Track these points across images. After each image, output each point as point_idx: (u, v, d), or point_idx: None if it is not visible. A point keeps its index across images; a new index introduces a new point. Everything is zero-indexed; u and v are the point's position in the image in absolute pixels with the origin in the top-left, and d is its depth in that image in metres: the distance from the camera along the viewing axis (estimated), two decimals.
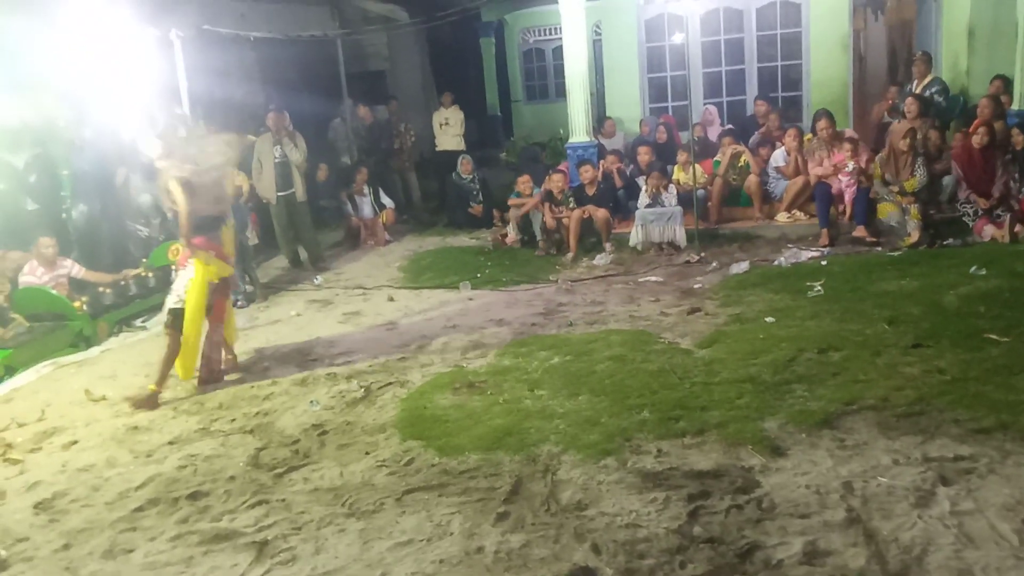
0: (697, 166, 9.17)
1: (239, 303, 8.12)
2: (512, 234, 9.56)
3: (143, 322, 7.77)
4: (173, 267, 8.36)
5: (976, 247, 7.52)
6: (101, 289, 7.65)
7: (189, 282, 5.68)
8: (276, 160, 9.28)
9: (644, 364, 5.27)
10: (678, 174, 9.39)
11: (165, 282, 8.27)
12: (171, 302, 5.74)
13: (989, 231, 7.69)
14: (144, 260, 8.57)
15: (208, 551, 3.59)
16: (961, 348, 4.98)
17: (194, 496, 4.12)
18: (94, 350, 7.00)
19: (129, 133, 9.07)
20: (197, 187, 5.69)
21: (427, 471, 4.14)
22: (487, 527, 3.54)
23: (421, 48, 17.24)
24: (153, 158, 5.80)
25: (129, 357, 6.73)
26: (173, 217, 5.96)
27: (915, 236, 7.82)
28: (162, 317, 5.86)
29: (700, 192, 9.08)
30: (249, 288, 8.49)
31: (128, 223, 9.08)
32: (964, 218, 8.02)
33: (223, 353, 6.05)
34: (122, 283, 7.90)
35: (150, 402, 5.52)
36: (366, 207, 10.83)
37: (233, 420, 5.11)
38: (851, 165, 8.50)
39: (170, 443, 4.83)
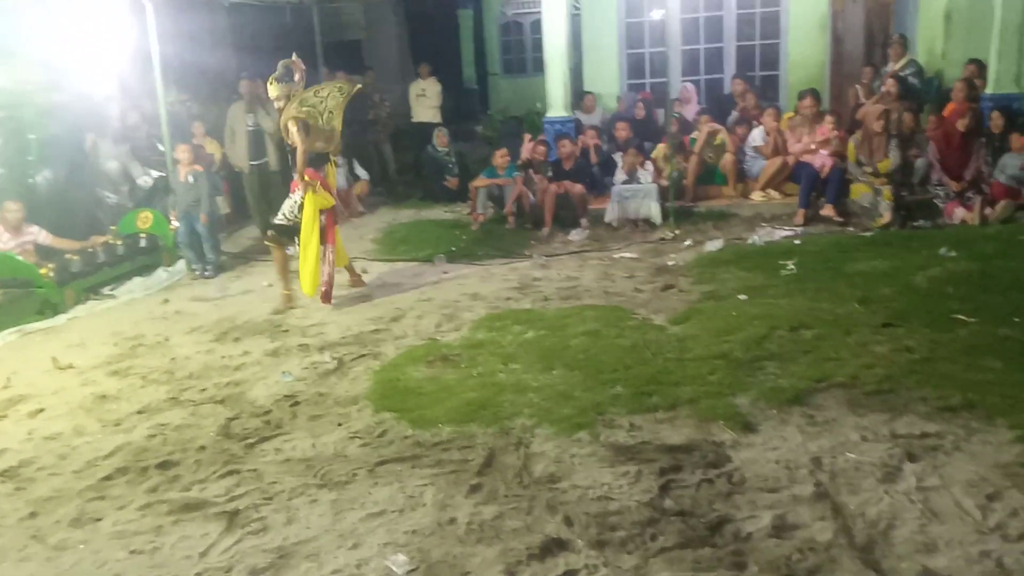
0: (676, 158, 9.11)
1: (207, 273, 8.05)
2: (480, 211, 9.39)
3: (111, 290, 7.66)
4: (142, 236, 8.30)
5: (947, 229, 7.61)
6: (68, 256, 7.52)
7: (297, 207, 6.45)
8: (249, 128, 9.16)
9: (618, 340, 5.29)
10: (657, 154, 9.35)
11: (134, 250, 8.17)
12: (276, 219, 6.63)
13: (960, 214, 7.78)
14: (112, 227, 8.44)
15: (178, 520, 3.57)
16: (930, 328, 5.05)
17: (164, 465, 4.08)
18: (61, 318, 6.90)
19: (99, 97, 8.92)
20: (312, 128, 6.40)
21: (400, 443, 4.13)
22: (460, 499, 3.55)
23: (398, 18, 17.00)
24: (272, 99, 6.52)
25: (97, 325, 6.64)
26: (292, 152, 6.51)
27: (887, 217, 7.90)
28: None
29: (675, 174, 9.06)
30: (224, 257, 8.40)
31: (97, 190, 8.92)
32: (936, 200, 8.09)
33: (350, 275, 7.09)
34: (90, 250, 7.77)
35: (287, 302, 6.68)
36: (340, 178, 10.70)
37: (203, 390, 5.07)
38: (835, 141, 8.57)
39: (139, 412, 4.78)
